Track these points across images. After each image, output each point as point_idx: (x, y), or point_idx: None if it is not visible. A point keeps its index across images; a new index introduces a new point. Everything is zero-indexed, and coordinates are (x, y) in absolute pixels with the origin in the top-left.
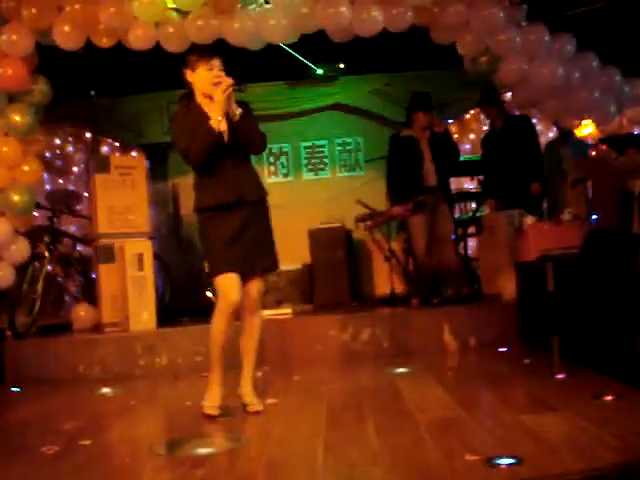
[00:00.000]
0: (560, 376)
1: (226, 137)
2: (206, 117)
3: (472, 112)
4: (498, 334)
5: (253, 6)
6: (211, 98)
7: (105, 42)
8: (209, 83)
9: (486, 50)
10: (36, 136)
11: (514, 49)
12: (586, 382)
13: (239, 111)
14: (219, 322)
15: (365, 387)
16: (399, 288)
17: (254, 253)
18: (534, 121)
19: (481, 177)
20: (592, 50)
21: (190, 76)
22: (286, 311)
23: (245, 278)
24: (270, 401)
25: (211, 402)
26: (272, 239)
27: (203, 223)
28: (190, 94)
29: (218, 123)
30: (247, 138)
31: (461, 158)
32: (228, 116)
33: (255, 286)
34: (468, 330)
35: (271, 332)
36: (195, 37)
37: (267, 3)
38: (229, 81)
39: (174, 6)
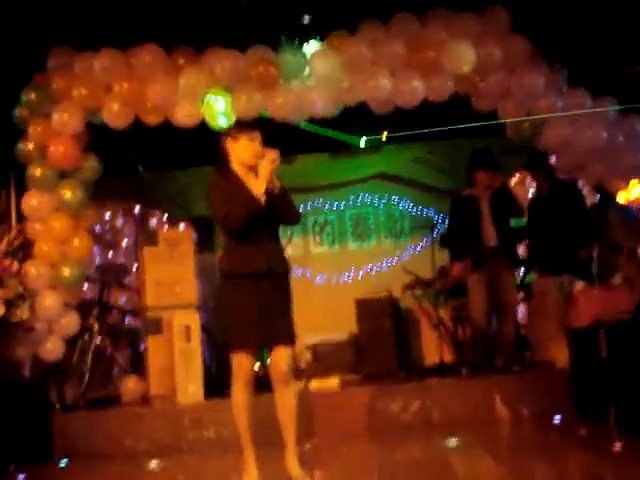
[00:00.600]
0: (617, 448)
1: (264, 207)
2: (245, 186)
3: (516, 177)
4: (551, 404)
5: (296, 81)
6: (250, 168)
7: (152, 120)
8: (251, 153)
9: (528, 116)
10: (86, 211)
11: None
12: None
13: (279, 183)
14: (237, 396)
15: (415, 460)
16: (448, 357)
17: (277, 325)
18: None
19: (527, 242)
20: (635, 112)
21: (231, 145)
22: (333, 382)
23: (269, 349)
24: (319, 474)
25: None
26: (292, 313)
27: (228, 289)
28: (225, 163)
29: (261, 193)
30: (284, 210)
31: (515, 224)
32: (266, 188)
33: (281, 357)
34: (520, 400)
35: (319, 404)
36: (239, 112)
37: (309, 78)
38: (276, 154)
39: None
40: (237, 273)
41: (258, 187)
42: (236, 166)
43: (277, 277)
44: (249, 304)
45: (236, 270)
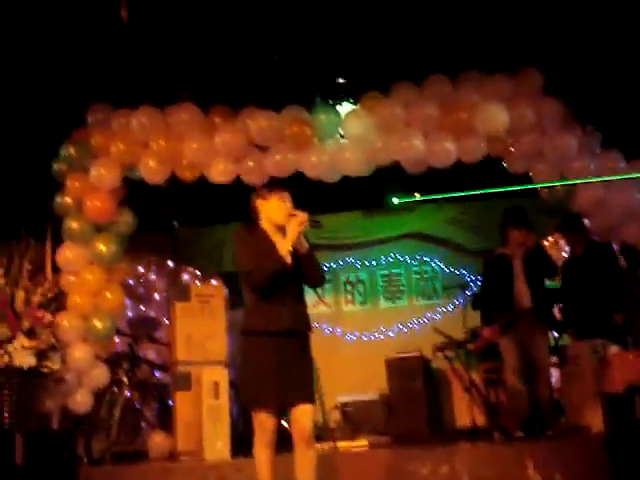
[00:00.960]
0: None
1: (290, 266)
2: (272, 244)
3: (550, 239)
4: (586, 470)
5: (330, 141)
6: (279, 227)
7: (188, 176)
8: (281, 213)
9: (561, 177)
10: (120, 264)
11: (589, 176)
12: None
13: (306, 244)
14: (260, 454)
15: None
16: (480, 420)
17: (298, 383)
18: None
19: (561, 305)
20: None
21: (261, 204)
22: (362, 443)
23: (291, 407)
24: None
25: None
26: (312, 372)
27: (249, 346)
28: (255, 220)
29: (288, 252)
30: (309, 270)
31: (552, 285)
32: (293, 247)
33: (303, 415)
34: (554, 466)
35: (346, 464)
36: (273, 171)
37: (342, 138)
38: (305, 216)
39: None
40: (259, 330)
41: (285, 246)
42: (265, 224)
43: (299, 336)
44: (269, 362)
45: (258, 327)
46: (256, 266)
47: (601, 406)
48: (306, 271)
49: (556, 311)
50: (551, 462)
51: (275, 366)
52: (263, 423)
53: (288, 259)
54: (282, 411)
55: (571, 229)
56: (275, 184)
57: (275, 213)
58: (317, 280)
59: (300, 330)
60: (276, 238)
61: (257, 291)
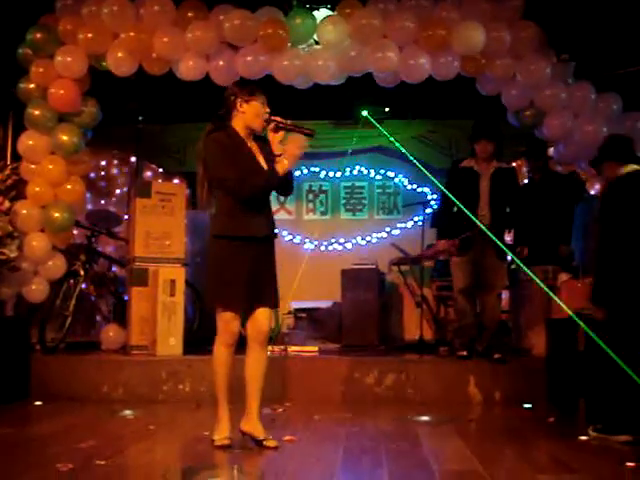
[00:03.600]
0: (584, 438)
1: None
2: (253, 153)
3: (515, 164)
4: (524, 390)
5: (303, 46)
6: (251, 131)
7: (156, 70)
8: (260, 118)
9: (531, 104)
10: (82, 156)
11: (559, 105)
12: (611, 447)
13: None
14: (220, 354)
15: (384, 432)
16: (428, 335)
17: (264, 287)
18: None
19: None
20: (638, 111)
21: (240, 105)
22: (312, 349)
23: (252, 310)
24: (288, 438)
25: (221, 434)
26: (277, 278)
27: (222, 249)
28: (224, 120)
29: (283, 173)
30: (287, 182)
31: None
32: (272, 155)
33: (264, 318)
34: (494, 384)
35: (296, 368)
36: (244, 72)
37: (317, 44)
38: (304, 140)
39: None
40: (235, 235)
41: (282, 168)
42: (238, 126)
43: (270, 242)
44: (243, 266)
45: (234, 232)
46: (246, 177)
47: (545, 330)
48: (283, 183)
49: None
50: (492, 380)
51: (248, 270)
52: (229, 323)
53: (280, 171)
54: (247, 314)
55: (533, 155)
56: (257, 86)
57: (254, 118)
58: (290, 191)
59: (272, 236)
60: (255, 147)
61: (238, 199)
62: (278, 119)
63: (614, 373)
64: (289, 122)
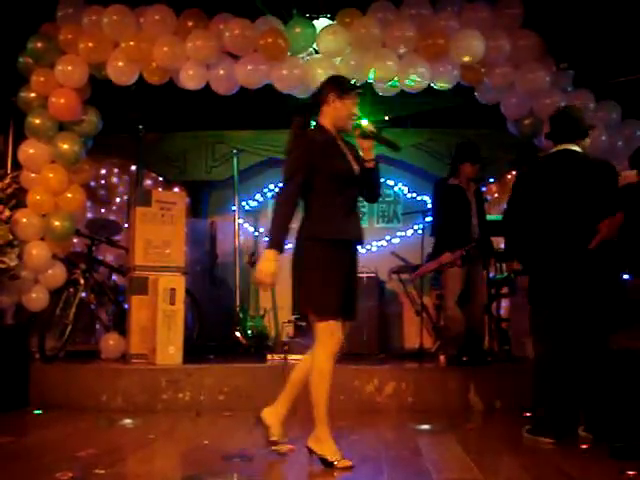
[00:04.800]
0: (584, 446)
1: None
2: (340, 149)
3: (514, 173)
4: (525, 398)
5: (303, 55)
6: (338, 130)
7: (157, 79)
8: (350, 118)
9: (530, 113)
10: (82, 165)
11: None
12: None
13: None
14: (330, 367)
15: (385, 441)
16: (428, 343)
17: (352, 298)
18: None
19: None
20: (637, 119)
21: (333, 102)
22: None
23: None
24: (288, 447)
25: (337, 455)
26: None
27: (323, 253)
28: (310, 116)
29: (370, 163)
30: (376, 184)
31: (497, 218)
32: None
33: (344, 333)
34: (495, 392)
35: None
36: (244, 81)
37: (317, 53)
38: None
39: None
40: (336, 240)
41: (368, 156)
42: (326, 122)
43: (358, 248)
44: (343, 272)
45: (337, 234)
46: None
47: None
48: (370, 185)
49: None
50: (492, 388)
51: (347, 276)
52: (335, 332)
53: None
54: None
55: (525, 164)
56: (353, 87)
57: (345, 117)
58: (377, 196)
59: (364, 241)
60: (341, 144)
61: (330, 198)
62: (366, 125)
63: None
64: (373, 129)
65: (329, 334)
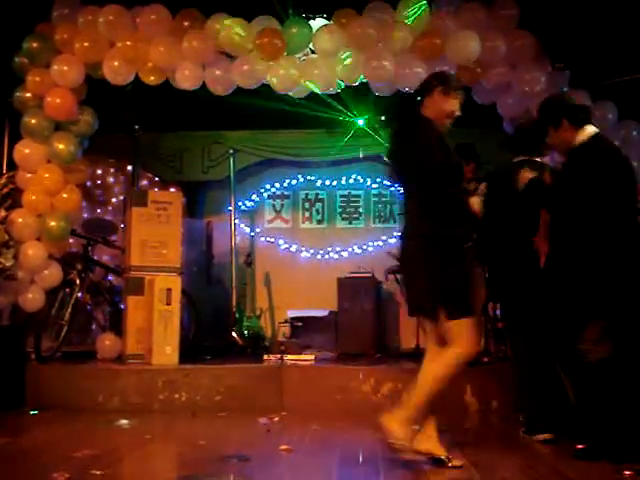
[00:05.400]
0: (581, 446)
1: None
2: (445, 143)
3: None
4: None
5: (299, 55)
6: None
7: (153, 79)
8: (452, 113)
9: (526, 113)
10: (78, 165)
11: None
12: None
13: None
14: (456, 369)
15: (382, 441)
16: (424, 343)
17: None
18: None
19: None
20: (633, 119)
21: (438, 95)
22: (309, 357)
23: None
24: (284, 447)
25: (443, 451)
26: None
27: (460, 254)
28: (416, 110)
29: None
30: None
31: None
32: None
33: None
34: (491, 392)
35: (292, 377)
36: (240, 80)
37: (313, 53)
38: None
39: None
40: (464, 240)
41: None
42: (429, 115)
43: None
44: (468, 274)
45: (465, 238)
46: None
47: None
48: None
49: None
50: (489, 388)
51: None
52: (477, 335)
53: None
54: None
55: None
56: (459, 85)
57: (447, 114)
58: None
59: None
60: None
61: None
62: None
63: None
64: None
65: (472, 335)
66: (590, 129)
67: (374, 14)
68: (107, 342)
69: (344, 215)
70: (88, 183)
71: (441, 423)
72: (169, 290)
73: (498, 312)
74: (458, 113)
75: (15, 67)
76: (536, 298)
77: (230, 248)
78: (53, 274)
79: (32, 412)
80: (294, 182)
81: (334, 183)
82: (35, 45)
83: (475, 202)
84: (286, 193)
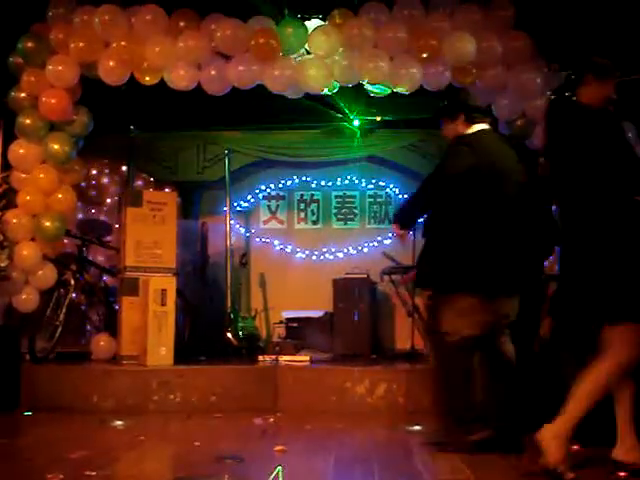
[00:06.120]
0: (575, 447)
1: None
2: None
3: None
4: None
5: (295, 55)
6: None
7: (148, 80)
8: (605, 100)
9: (522, 114)
10: (73, 165)
11: None
12: (603, 457)
13: None
14: (613, 377)
15: (376, 442)
16: (420, 345)
17: None
18: None
19: None
20: (629, 120)
21: (591, 81)
22: (304, 358)
23: None
24: (279, 448)
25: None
26: None
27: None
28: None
29: None
30: None
31: None
32: None
33: None
34: None
35: (287, 378)
36: (236, 81)
37: (309, 53)
38: None
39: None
40: None
41: None
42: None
43: None
44: None
45: None
46: None
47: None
48: None
49: None
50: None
51: None
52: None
53: None
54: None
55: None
56: (613, 70)
57: (602, 99)
58: None
59: None
60: None
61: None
62: None
63: None
64: None
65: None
66: (480, 126)
67: (370, 15)
68: (102, 343)
69: (339, 216)
70: (83, 183)
71: (437, 423)
72: (164, 291)
73: None
74: (614, 96)
75: (10, 67)
76: None
77: (225, 249)
78: (47, 275)
79: (26, 413)
80: (289, 183)
81: (329, 184)
82: (30, 45)
83: None
84: (281, 194)
